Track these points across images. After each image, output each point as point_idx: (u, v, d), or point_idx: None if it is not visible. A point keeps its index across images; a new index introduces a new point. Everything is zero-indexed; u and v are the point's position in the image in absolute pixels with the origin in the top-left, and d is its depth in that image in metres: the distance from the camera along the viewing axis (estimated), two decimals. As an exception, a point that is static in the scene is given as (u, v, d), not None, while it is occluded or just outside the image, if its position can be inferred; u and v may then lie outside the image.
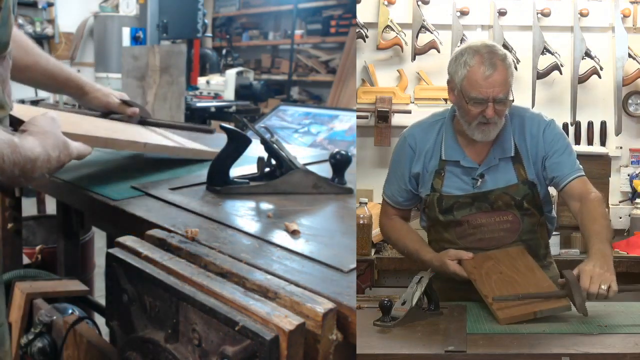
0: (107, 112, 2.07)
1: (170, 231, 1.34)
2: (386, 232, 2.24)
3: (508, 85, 1.97)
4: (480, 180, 2.05)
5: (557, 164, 2.04)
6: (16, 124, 1.36)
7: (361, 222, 2.79)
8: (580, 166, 2.08)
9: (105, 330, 2.02)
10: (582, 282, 1.72)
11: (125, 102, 2.07)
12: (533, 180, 2.05)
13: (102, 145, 1.67)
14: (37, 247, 3.02)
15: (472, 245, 2.05)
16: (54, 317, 2.14)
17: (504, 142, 2.06)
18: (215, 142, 2.38)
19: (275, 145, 1.73)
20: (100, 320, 2.22)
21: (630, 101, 3.28)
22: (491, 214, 2.04)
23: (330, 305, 1.04)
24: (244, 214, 1.55)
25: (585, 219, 1.95)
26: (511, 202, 2.04)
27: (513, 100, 2.01)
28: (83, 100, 2.03)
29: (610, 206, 3.12)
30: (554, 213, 2.20)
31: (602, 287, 1.72)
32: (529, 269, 1.91)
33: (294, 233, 1.37)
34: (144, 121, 2.12)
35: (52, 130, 1.29)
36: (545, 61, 3.22)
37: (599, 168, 3.01)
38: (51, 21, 8.57)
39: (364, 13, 3.28)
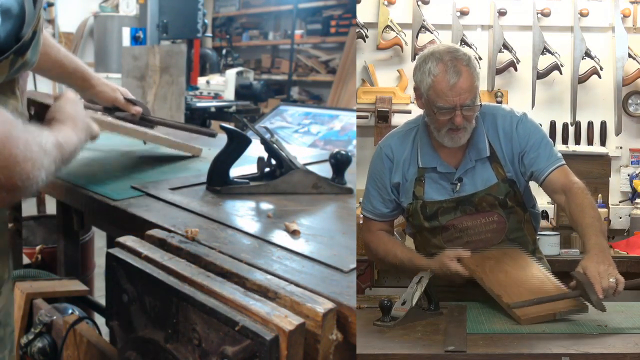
0: (111, 108, 2.07)
1: (170, 231, 1.34)
2: (374, 248, 2.17)
3: (475, 90, 1.95)
4: (458, 184, 2.03)
5: (535, 158, 2.02)
6: (37, 107, 1.35)
7: (361, 222, 2.78)
8: (559, 155, 2.05)
9: (105, 330, 2.02)
10: (594, 285, 1.72)
11: (129, 101, 2.07)
12: (512, 177, 2.04)
13: (109, 129, 1.67)
14: (37, 247, 3.02)
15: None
16: (54, 317, 2.14)
17: (478, 142, 2.04)
18: (215, 142, 2.38)
19: (275, 145, 1.73)
20: (100, 320, 2.22)
21: (630, 101, 3.28)
22: (476, 216, 2.03)
23: (330, 305, 1.04)
24: (244, 214, 1.55)
25: (574, 211, 1.93)
26: (495, 202, 2.02)
27: (481, 105, 1.99)
28: (88, 94, 2.01)
29: (610, 206, 3.12)
30: (537, 209, 2.18)
31: (611, 280, 1.72)
32: (534, 271, 1.92)
33: (294, 233, 1.37)
34: (145, 118, 2.12)
35: (78, 114, 1.30)
36: (545, 61, 3.22)
37: (599, 168, 3.01)
38: (51, 21, 8.56)
39: (364, 13, 3.28)
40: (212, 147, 2.26)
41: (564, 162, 2.03)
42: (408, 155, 2.08)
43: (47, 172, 1.00)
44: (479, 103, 1.98)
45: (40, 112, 1.46)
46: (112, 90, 2.03)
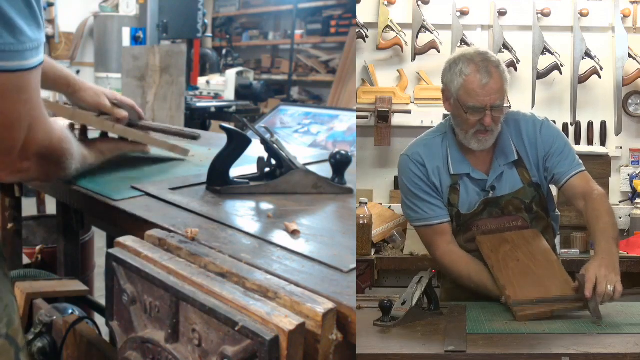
0: (98, 113, 2.03)
1: (170, 231, 1.34)
2: (447, 267, 2.06)
3: (504, 92, 1.98)
4: (491, 192, 2.05)
5: (558, 161, 2.05)
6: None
7: (361, 222, 2.79)
8: (580, 161, 2.08)
9: (105, 330, 2.02)
10: (587, 283, 1.72)
11: (116, 105, 2.00)
12: (537, 181, 2.06)
13: (69, 117, 1.68)
14: (37, 247, 3.02)
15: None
16: (54, 317, 2.14)
17: (505, 147, 2.06)
18: (215, 142, 2.38)
19: (275, 145, 1.72)
20: (100, 320, 2.22)
21: (630, 101, 3.28)
22: (501, 220, 2.05)
23: (330, 305, 1.04)
24: (244, 214, 1.55)
25: (590, 217, 1.95)
26: (521, 206, 2.04)
27: (510, 107, 2.02)
28: (73, 99, 1.97)
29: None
30: (557, 212, 2.20)
31: (608, 287, 1.72)
32: (546, 259, 1.92)
33: (294, 233, 1.37)
34: (131, 124, 2.05)
35: (103, 150, 1.81)
36: (545, 61, 3.22)
37: (599, 168, 3.01)
38: (51, 21, 8.57)
39: (364, 13, 3.28)
40: (212, 147, 2.26)
41: (585, 168, 2.05)
42: (439, 163, 2.07)
43: (75, 168, 1.50)
44: (508, 105, 2.00)
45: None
46: (97, 95, 1.96)
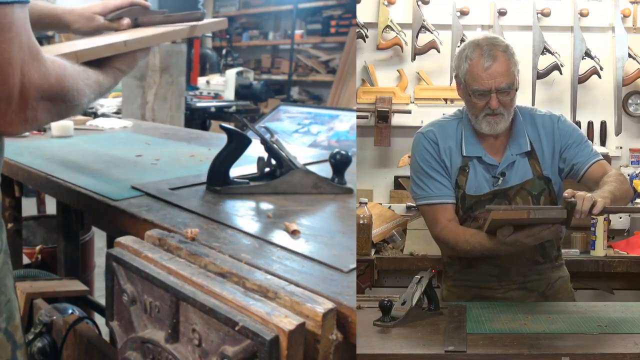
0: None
1: (170, 231, 1.35)
2: (443, 239, 2.05)
3: (511, 76, 1.99)
4: (501, 178, 2.05)
5: (577, 152, 2.05)
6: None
7: (361, 222, 2.79)
8: (597, 152, 2.08)
9: (105, 330, 2.02)
10: (566, 190, 1.73)
11: (112, 19, 1.89)
12: (548, 175, 2.06)
13: (74, 59, 1.57)
14: (37, 247, 3.02)
15: None
16: (54, 317, 2.14)
17: (519, 137, 2.07)
18: (215, 142, 2.38)
19: (275, 145, 1.72)
20: (100, 320, 2.22)
21: (630, 101, 3.28)
22: None
23: (330, 305, 1.04)
24: (244, 214, 1.55)
25: (601, 183, 1.93)
26: (528, 197, 2.04)
27: (517, 89, 2.02)
28: (69, 32, 1.90)
29: (610, 206, 3.11)
30: None
31: (588, 195, 1.72)
32: None
33: (294, 233, 1.37)
34: (137, 24, 1.94)
35: (121, 68, 1.61)
36: (545, 61, 3.22)
37: (599, 168, 3.01)
38: (51, 21, 8.55)
39: (364, 13, 3.28)
40: (212, 147, 2.26)
41: (602, 157, 2.07)
42: (452, 143, 2.08)
43: (88, 99, 1.41)
44: (516, 87, 2.01)
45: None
46: (89, 20, 1.88)
